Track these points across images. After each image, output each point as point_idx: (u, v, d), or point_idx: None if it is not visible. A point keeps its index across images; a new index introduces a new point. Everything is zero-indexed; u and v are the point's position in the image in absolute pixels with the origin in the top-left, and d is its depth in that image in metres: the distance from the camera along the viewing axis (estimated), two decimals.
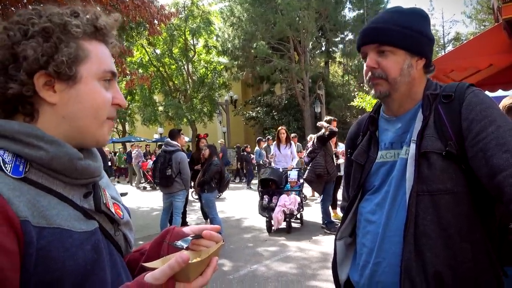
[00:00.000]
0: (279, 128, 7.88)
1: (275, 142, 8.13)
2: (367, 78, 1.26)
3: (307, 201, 9.83)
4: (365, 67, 1.27)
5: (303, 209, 7.18)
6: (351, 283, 1.34)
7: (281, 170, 7.41)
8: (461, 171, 1.10)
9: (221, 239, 0.79)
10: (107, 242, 0.78)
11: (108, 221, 0.79)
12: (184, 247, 0.75)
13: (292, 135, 11.64)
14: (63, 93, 0.73)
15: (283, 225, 6.67)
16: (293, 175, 7.31)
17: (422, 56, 1.23)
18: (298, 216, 7.08)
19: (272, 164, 8.01)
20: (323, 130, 6.45)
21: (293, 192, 7.09)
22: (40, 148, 0.69)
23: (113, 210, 0.80)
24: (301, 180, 7.26)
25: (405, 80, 1.21)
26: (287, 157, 7.76)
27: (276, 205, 6.72)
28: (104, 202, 0.78)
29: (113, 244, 0.80)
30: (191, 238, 0.77)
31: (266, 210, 6.89)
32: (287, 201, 6.73)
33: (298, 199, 6.97)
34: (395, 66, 1.20)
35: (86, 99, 0.75)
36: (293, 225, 6.88)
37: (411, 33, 1.20)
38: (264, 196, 7.10)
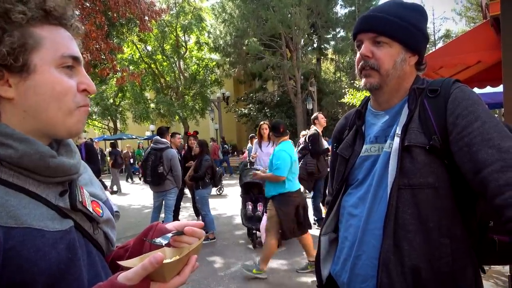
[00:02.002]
0: (261, 123, 6.89)
1: (256, 140, 6.93)
2: (359, 67, 1.25)
3: None
4: (358, 56, 1.26)
5: None
6: (333, 278, 1.34)
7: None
8: (443, 166, 1.11)
9: (203, 235, 0.78)
10: (84, 241, 0.76)
11: (86, 219, 0.77)
12: (164, 244, 0.73)
13: None
14: (19, 86, 0.69)
15: None
16: None
17: (415, 52, 1.23)
18: None
19: (255, 165, 6.82)
20: (313, 128, 6.46)
21: None
22: (9, 146, 0.67)
23: (90, 208, 0.78)
24: None
25: (396, 73, 1.21)
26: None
27: (262, 214, 5.61)
28: (80, 200, 0.76)
29: (92, 243, 0.78)
30: (171, 235, 0.75)
31: (251, 220, 5.79)
32: None
33: None
34: (389, 58, 1.19)
35: (45, 89, 0.70)
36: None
37: (410, 27, 1.20)
38: (247, 203, 6.00)
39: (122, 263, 0.67)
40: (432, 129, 1.12)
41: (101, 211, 0.81)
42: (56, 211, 0.71)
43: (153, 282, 0.63)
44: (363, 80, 1.24)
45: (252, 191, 6.10)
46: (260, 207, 5.84)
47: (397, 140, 1.15)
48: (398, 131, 1.17)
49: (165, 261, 0.62)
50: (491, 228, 1.19)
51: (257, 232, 5.61)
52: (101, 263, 0.80)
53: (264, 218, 5.29)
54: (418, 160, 1.11)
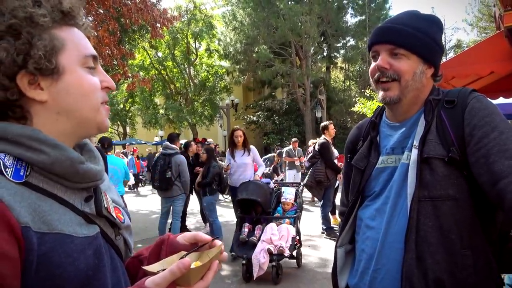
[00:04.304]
0: (235, 128, 5.83)
1: (228, 149, 5.97)
2: (375, 77, 1.23)
3: (306, 205, 9.80)
4: (372, 66, 1.24)
5: (301, 244, 4.93)
6: None
7: (272, 185, 5.45)
8: (463, 177, 1.10)
9: (220, 243, 0.78)
10: (108, 247, 0.77)
11: (109, 225, 0.78)
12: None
13: (293, 139, 11.64)
14: (51, 89, 0.71)
15: (269, 265, 4.39)
16: (289, 192, 5.10)
17: (432, 64, 1.22)
18: (294, 253, 4.74)
19: (229, 179, 5.81)
20: (322, 137, 6.44)
21: (286, 220, 4.80)
22: (42, 151, 0.67)
23: (114, 214, 0.79)
24: (300, 200, 5.16)
25: (416, 85, 1.19)
26: (247, 167, 5.71)
27: (258, 240, 4.53)
28: (105, 206, 0.77)
29: (114, 249, 0.79)
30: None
31: (243, 247, 4.58)
32: (275, 234, 4.50)
33: (293, 231, 4.64)
34: (409, 69, 1.18)
35: (76, 89, 0.72)
36: (285, 265, 4.71)
37: (428, 40, 1.19)
38: (244, 225, 4.81)
39: (147, 268, 0.68)
40: (450, 141, 1.12)
41: (122, 217, 0.82)
42: (82, 217, 0.72)
43: (179, 287, 0.64)
44: (381, 93, 1.22)
45: (255, 210, 5.01)
46: (257, 230, 4.70)
47: (415, 151, 1.15)
48: (416, 142, 1.16)
49: (191, 266, 0.64)
50: (511, 237, 1.18)
51: (250, 262, 4.36)
52: (122, 269, 0.81)
53: (259, 246, 4.42)
54: (437, 172, 1.10)
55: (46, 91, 0.70)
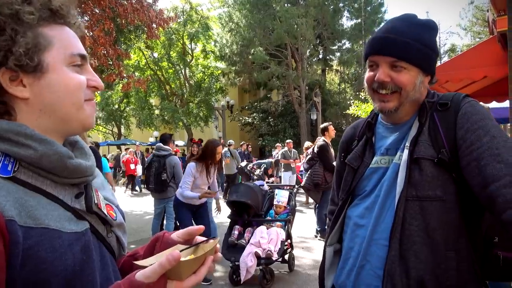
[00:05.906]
0: (217, 142, 4.60)
1: (196, 163, 4.49)
2: (373, 87, 1.22)
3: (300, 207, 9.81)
4: (369, 75, 1.23)
5: (292, 248, 4.85)
6: None
7: (266, 187, 5.19)
8: (451, 179, 1.11)
9: (217, 239, 0.77)
10: (98, 244, 0.76)
11: (101, 222, 0.78)
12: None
13: (287, 141, 11.62)
14: (34, 86, 0.70)
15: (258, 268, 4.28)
16: (281, 195, 4.97)
17: (430, 73, 1.23)
18: (286, 257, 4.76)
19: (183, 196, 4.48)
20: (322, 139, 6.44)
21: (277, 224, 4.71)
22: (29, 146, 0.68)
23: (105, 211, 0.78)
24: (293, 202, 5.00)
25: (415, 95, 1.20)
26: (213, 186, 4.82)
27: (247, 243, 4.42)
28: (96, 202, 0.77)
29: (105, 246, 0.79)
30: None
31: (232, 250, 4.47)
32: (264, 237, 4.38)
33: (283, 234, 4.53)
34: (410, 81, 1.17)
35: (59, 87, 0.72)
36: (277, 268, 4.68)
37: (428, 51, 1.18)
38: (235, 227, 4.71)
39: (138, 262, 0.67)
40: (441, 143, 1.13)
41: (114, 215, 0.82)
42: (72, 213, 0.72)
43: (170, 281, 0.63)
44: (379, 103, 1.22)
45: (248, 212, 4.81)
46: (247, 233, 4.59)
47: (406, 152, 1.16)
48: (408, 143, 1.18)
49: (182, 259, 0.62)
50: (495, 243, 1.19)
51: (237, 266, 4.27)
52: (113, 267, 0.80)
53: (247, 249, 4.27)
54: (426, 172, 1.12)
55: (28, 88, 0.70)
